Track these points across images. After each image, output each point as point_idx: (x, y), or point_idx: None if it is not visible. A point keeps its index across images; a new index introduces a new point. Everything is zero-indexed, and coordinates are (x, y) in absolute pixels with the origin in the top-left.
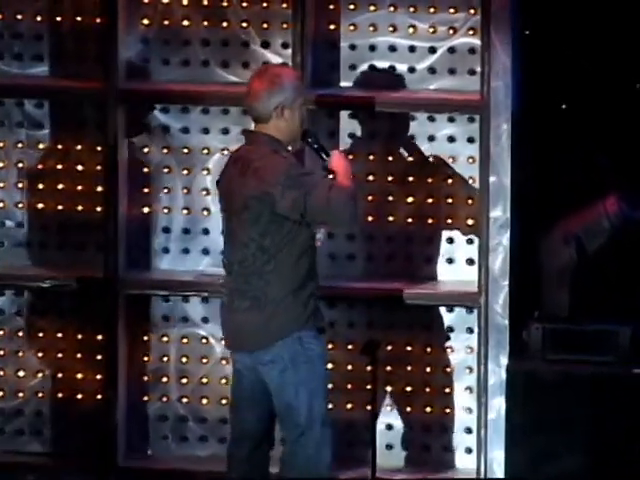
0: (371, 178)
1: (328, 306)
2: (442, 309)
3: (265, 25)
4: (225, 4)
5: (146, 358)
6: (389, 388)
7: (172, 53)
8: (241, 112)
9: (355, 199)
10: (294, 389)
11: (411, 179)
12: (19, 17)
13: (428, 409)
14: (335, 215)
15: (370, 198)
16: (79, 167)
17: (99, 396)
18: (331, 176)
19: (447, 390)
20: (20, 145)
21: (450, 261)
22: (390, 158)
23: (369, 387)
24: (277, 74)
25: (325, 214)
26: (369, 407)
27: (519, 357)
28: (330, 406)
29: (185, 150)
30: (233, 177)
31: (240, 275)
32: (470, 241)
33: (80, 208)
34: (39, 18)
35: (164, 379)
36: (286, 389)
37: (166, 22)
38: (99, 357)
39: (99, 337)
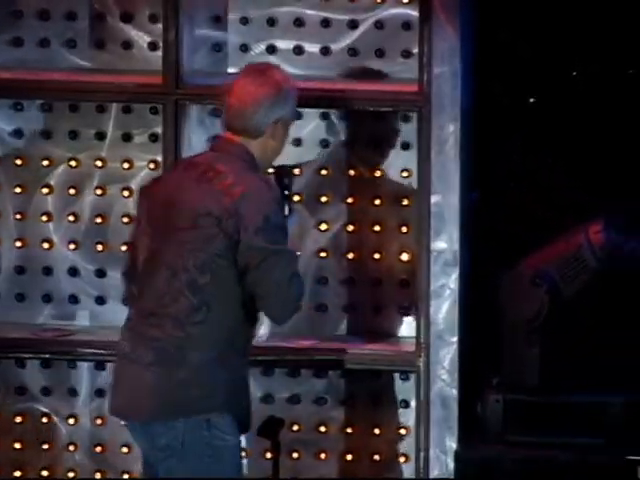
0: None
1: None
2: (366, 375)
3: None
4: None
5: None
6: None
7: None
8: (95, 109)
9: (297, 308)
10: None
11: (324, 199)
12: None
13: None
14: (282, 302)
15: None
16: None
17: None
18: None
19: None
20: None
21: (377, 310)
22: (296, 171)
23: None
24: (280, 80)
25: (273, 294)
26: None
27: (472, 440)
28: None
29: (18, 161)
30: (183, 184)
31: (152, 315)
32: (404, 283)
33: None
34: None
35: None
36: None
37: None
38: None
39: None
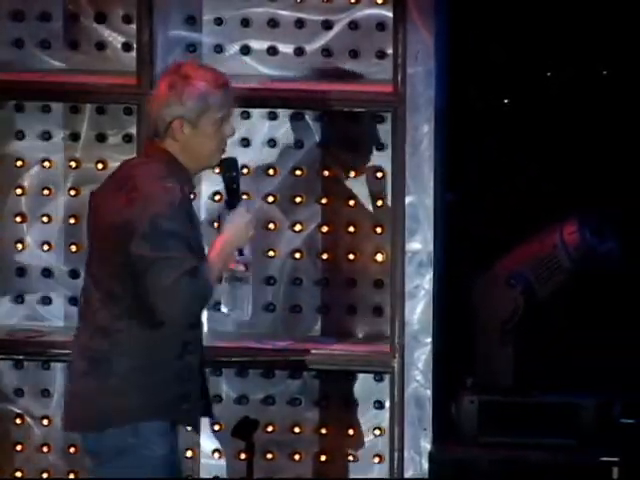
0: (244, 198)
1: None
2: (340, 376)
3: None
4: None
5: None
6: None
7: None
8: (69, 109)
9: (206, 298)
10: None
11: (298, 200)
12: None
13: None
14: (175, 307)
15: None
16: None
17: None
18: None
19: None
20: None
21: (351, 310)
22: (270, 172)
23: None
24: (186, 75)
25: (163, 300)
26: None
27: (446, 440)
28: None
29: None
30: (106, 193)
31: (85, 325)
32: (379, 283)
33: None
34: None
35: None
36: None
37: None
38: None
39: None
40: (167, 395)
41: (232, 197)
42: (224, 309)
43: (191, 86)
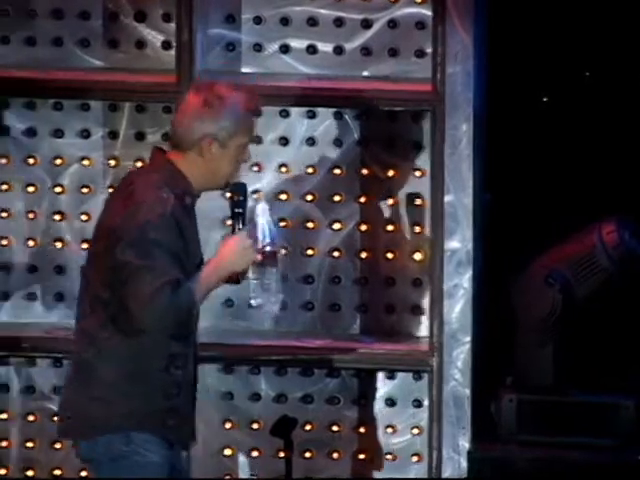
0: (283, 197)
1: (223, 371)
2: (379, 375)
3: None
4: None
5: None
6: None
7: (12, 28)
8: (108, 108)
9: (186, 312)
10: None
11: (337, 199)
12: None
13: None
14: (145, 313)
15: (282, 224)
16: None
17: None
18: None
19: None
20: None
21: (390, 309)
22: (309, 170)
23: None
24: (221, 95)
25: (136, 306)
26: None
27: (485, 439)
28: None
29: (31, 160)
30: (109, 200)
31: (76, 330)
32: (417, 282)
33: None
34: None
35: (2, 471)
36: None
37: None
38: None
39: None
40: (151, 407)
41: (236, 221)
42: (253, 302)
43: (228, 107)
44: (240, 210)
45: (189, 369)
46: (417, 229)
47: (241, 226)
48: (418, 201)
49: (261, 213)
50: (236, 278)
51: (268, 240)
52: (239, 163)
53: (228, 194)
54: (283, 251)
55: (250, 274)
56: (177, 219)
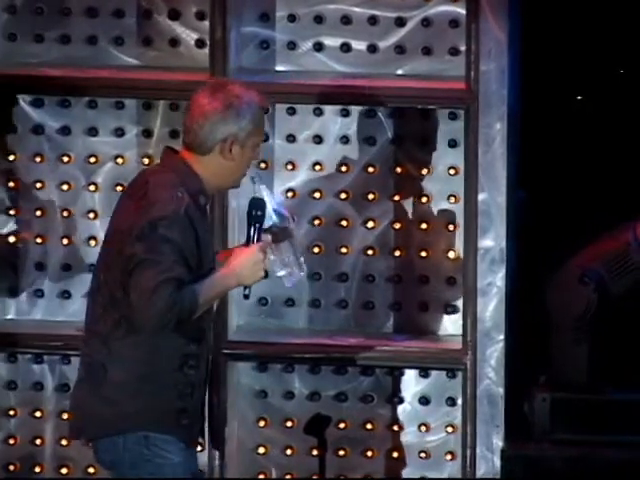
0: (317, 195)
1: (257, 369)
2: (412, 373)
3: None
4: None
5: (11, 441)
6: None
7: (46, 26)
8: (142, 106)
9: (186, 312)
10: None
11: (371, 197)
12: None
13: None
14: (144, 306)
15: (316, 222)
16: None
17: None
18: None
19: None
20: None
21: (424, 307)
22: (343, 168)
23: (315, 479)
24: (238, 94)
25: (136, 298)
26: None
27: (519, 438)
28: None
29: (65, 158)
30: (121, 201)
31: (86, 331)
32: (451, 281)
33: None
34: None
35: (37, 469)
36: None
37: None
38: None
39: None
40: (165, 407)
41: (251, 234)
42: (279, 273)
43: (246, 106)
44: (257, 225)
45: (202, 369)
46: (451, 227)
47: (256, 240)
48: (452, 199)
49: (265, 194)
50: (245, 291)
51: (275, 219)
52: (251, 162)
53: (248, 208)
54: (293, 223)
55: (270, 254)
56: (191, 218)
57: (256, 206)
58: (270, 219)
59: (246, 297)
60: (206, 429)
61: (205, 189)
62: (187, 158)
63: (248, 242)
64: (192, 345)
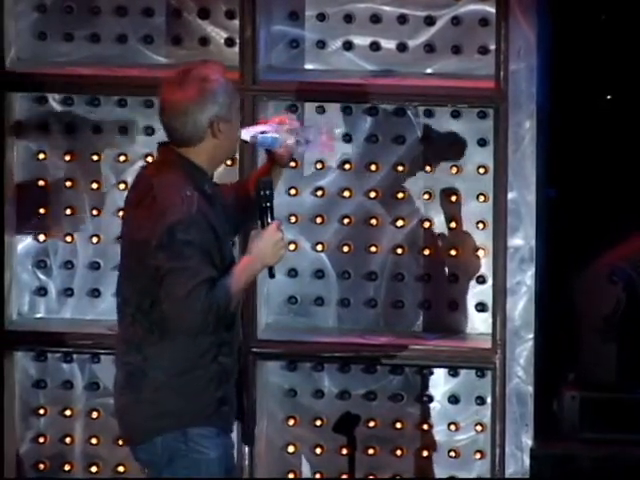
0: (346, 194)
1: (287, 368)
2: (442, 372)
3: None
4: None
5: (41, 439)
6: (372, 478)
7: (76, 25)
8: None
9: (223, 310)
10: None
11: (400, 196)
12: None
13: None
14: (182, 316)
15: (346, 221)
16: None
17: None
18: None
19: None
20: None
21: (453, 306)
22: (372, 167)
23: (345, 477)
24: (204, 76)
25: (172, 309)
26: None
27: (548, 437)
28: None
29: (94, 157)
30: (130, 208)
31: (120, 341)
32: (481, 279)
33: None
34: None
35: (66, 467)
36: None
37: None
38: None
39: None
40: (206, 399)
41: (264, 215)
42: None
43: (215, 83)
44: (268, 204)
45: (234, 354)
46: (480, 226)
47: (270, 220)
48: (481, 198)
49: (265, 135)
50: (270, 272)
51: (277, 146)
52: (240, 125)
53: (255, 190)
54: (290, 141)
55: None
56: (205, 214)
57: (264, 186)
58: (279, 142)
59: (272, 276)
60: (238, 427)
61: (207, 176)
62: (182, 151)
63: (263, 223)
64: (224, 333)
